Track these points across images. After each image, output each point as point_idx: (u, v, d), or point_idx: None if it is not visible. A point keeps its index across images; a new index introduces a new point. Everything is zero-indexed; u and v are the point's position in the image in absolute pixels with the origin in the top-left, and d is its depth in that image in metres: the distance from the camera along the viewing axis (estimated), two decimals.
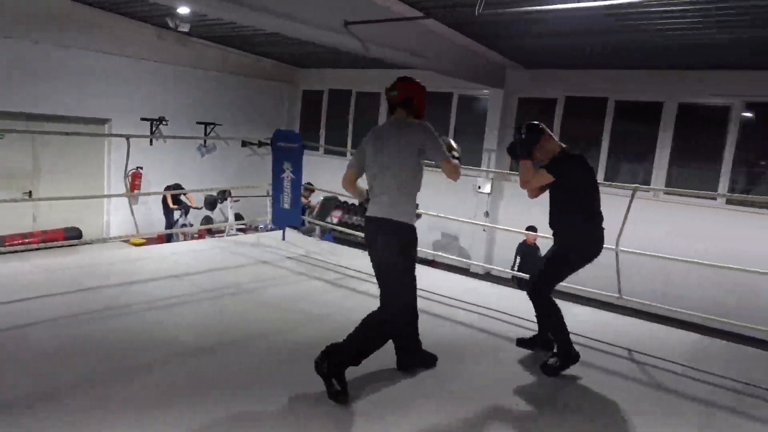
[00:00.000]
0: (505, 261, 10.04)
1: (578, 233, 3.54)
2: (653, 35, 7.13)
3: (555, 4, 5.79)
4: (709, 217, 8.61)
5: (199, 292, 4.66)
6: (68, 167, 10.10)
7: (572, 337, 3.55)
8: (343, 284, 5.18)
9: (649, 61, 8.72)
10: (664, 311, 4.91)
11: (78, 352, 3.36)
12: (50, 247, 9.09)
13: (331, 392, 2.92)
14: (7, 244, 8.83)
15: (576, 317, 4.57)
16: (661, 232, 8.46)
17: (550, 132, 3.61)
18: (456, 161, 3.22)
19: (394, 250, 3.09)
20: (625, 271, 4.79)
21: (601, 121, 9.62)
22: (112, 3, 9.18)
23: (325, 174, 11.11)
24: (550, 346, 3.68)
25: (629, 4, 5.69)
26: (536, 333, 3.89)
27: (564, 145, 3.63)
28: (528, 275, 4.10)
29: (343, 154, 12.55)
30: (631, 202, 4.59)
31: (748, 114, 8.58)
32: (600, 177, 9.55)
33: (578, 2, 5.52)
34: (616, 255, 4.59)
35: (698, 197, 8.50)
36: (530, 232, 7.19)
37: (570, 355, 3.49)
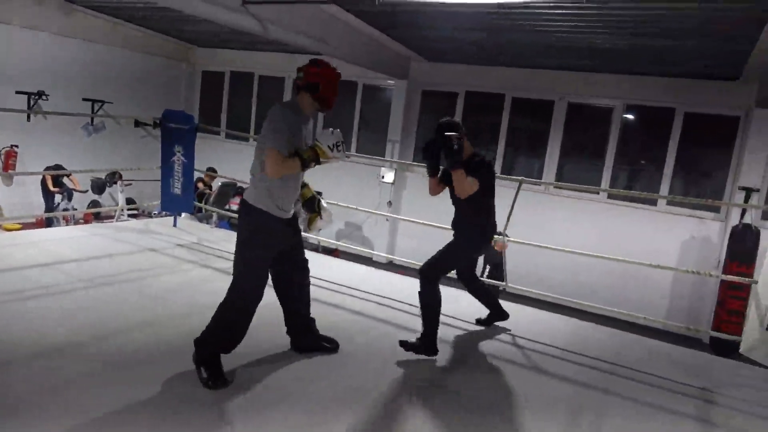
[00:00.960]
0: (406, 250, 10.23)
1: (479, 229, 3.76)
2: (539, 36, 7.46)
3: None
4: (593, 209, 9.24)
5: (71, 282, 4.29)
6: None
7: (458, 322, 3.66)
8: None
9: (541, 61, 9.17)
10: (547, 297, 5.19)
11: None
12: None
13: (201, 379, 2.92)
14: None
15: (462, 304, 4.74)
16: (551, 223, 9.00)
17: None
18: (275, 155, 2.89)
19: (243, 231, 3.06)
20: (512, 260, 5.02)
21: (499, 117, 10.01)
22: None
23: (227, 159, 10.73)
24: (504, 315, 4.21)
25: (509, 5, 5.90)
26: (490, 312, 4.25)
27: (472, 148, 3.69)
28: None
29: (246, 139, 12.15)
30: (517, 194, 4.80)
31: (629, 116, 9.28)
32: (498, 170, 9.95)
33: None
34: (503, 244, 4.78)
35: (581, 191, 9.10)
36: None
37: (430, 348, 3.56)
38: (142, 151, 11.70)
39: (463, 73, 10.19)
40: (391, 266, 8.99)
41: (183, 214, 7.48)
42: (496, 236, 4.19)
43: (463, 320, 4.34)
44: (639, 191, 8.92)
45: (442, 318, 3.63)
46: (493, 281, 5.86)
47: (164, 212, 8.40)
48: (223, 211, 8.21)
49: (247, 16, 6.55)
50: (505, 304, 4.36)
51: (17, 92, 9.67)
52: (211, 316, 3.04)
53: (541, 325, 4.52)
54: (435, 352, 3.56)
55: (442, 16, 7.18)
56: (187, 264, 5.13)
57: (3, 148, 9.54)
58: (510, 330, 4.27)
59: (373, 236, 10.88)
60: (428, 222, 5.93)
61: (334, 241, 8.06)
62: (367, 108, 11.28)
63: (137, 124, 11.74)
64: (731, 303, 7.41)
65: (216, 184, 10.17)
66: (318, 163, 3.04)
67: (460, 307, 4.48)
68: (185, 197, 5.93)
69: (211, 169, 9.80)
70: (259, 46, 11.28)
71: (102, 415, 2.58)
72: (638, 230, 8.80)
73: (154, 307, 4.01)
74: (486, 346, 3.99)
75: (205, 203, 9.22)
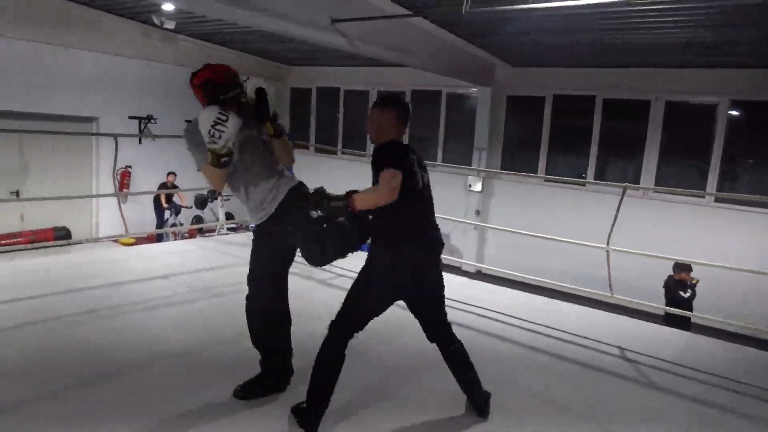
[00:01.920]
0: (495, 260, 10.11)
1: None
2: (638, 34, 7.17)
3: (539, 2, 5.80)
4: (698, 214, 8.68)
5: (187, 292, 4.63)
6: (56, 166, 10.01)
7: (565, 335, 3.56)
8: (335, 284, 5.17)
9: (636, 60, 8.77)
10: (655, 309, 4.95)
11: (65, 354, 3.33)
12: (39, 247, 9.01)
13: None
14: None
15: (565, 315, 4.62)
16: (651, 230, 8.55)
17: None
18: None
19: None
20: (617, 269, 4.83)
21: (590, 120, 9.67)
22: (99, 1, 9.10)
23: (316, 172, 11.11)
24: (484, 412, 2.93)
25: (612, 3, 5.71)
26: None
27: None
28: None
29: (334, 153, 12.53)
30: (621, 200, 4.60)
31: (735, 112, 8.66)
32: (590, 175, 9.61)
33: (559, 2, 5.51)
34: (607, 254, 4.61)
35: (686, 195, 8.57)
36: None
37: (309, 424, 2.66)
38: None
39: (549, 76, 9.96)
40: (479, 275, 8.93)
41: None
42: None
43: (568, 332, 4.23)
44: (749, 193, 8.27)
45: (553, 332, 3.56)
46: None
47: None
48: None
49: (336, 34, 6.79)
50: (611, 316, 4.20)
51: (130, 117, 10.58)
52: (311, 324, 3.09)
53: (650, 339, 4.32)
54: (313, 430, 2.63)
55: (530, 21, 7.08)
56: (294, 275, 5.36)
57: (119, 169, 10.44)
58: (618, 344, 4.11)
59: (461, 246, 10.83)
60: (517, 230, 5.85)
61: None
62: (452, 117, 11.28)
63: None
64: None
65: None
66: (217, 162, 2.57)
67: (561, 318, 4.37)
68: None
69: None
70: (344, 61, 11.62)
71: (210, 414, 2.77)
72: (749, 235, 8.16)
73: None
74: (594, 358, 3.86)
75: None
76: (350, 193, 2.45)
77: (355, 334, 2.66)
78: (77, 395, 2.88)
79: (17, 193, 9.52)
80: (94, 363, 3.24)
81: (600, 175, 9.58)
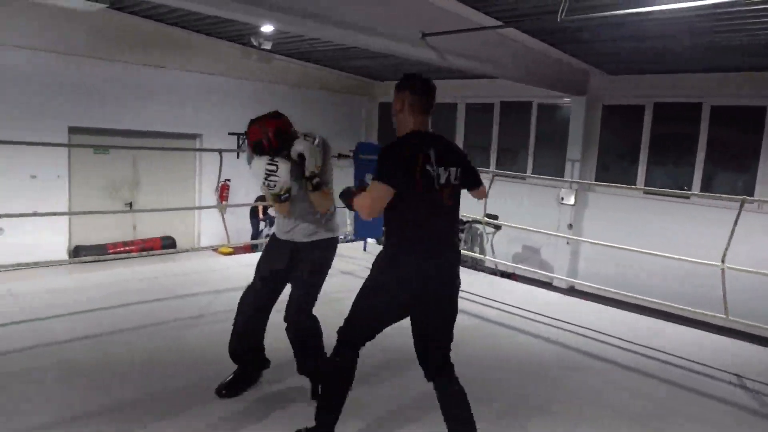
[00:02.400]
0: (589, 276, 9.66)
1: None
2: (753, 35, 6.63)
3: (642, 7, 5.52)
4: None
5: (284, 300, 4.79)
6: (164, 180, 10.78)
7: (675, 359, 3.33)
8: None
9: (750, 63, 8.12)
10: None
11: (172, 357, 3.55)
12: (148, 256, 9.72)
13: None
14: (110, 251, 9.52)
15: (672, 336, 4.33)
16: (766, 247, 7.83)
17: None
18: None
19: None
20: (732, 290, 4.45)
21: (696, 128, 9.05)
22: (202, 24, 9.76)
23: None
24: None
25: (724, 4, 5.31)
26: None
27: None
28: None
29: None
30: (739, 214, 4.24)
31: None
32: (695, 187, 8.99)
33: (667, 4, 5.21)
34: (722, 272, 4.27)
35: None
36: None
37: None
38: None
39: (650, 83, 9.44)
40: (571, 291, 8.57)
41: (370, 240, 7.94)
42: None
43: (679, 356, 3.96)
44: None
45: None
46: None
47: (351, 237, 9.01)
48: None
49: (427, 48, 6.84)
50: (726, 341, 3.87)
51: (229, 133, 11.21)
52: (399, 335, 3.10)
53: None
54: None
55: (630, 26, 6.76)
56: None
57: (219, 183, 11.08)
58: (736, 371, 3.79)
59: (552, 260, 10.47)
60: (614, 244, 5.57)
61: (512, 264, 7.94)
62: (543, 128, 10.98)
63: None
64: None
65: None
66: (278, 199, 2.90)
67: (672, 341, 4.10)
68: (375, 223, 6.30)
69: None
70: (432, 74, 11.64)
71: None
72: None
73: None
74: (708, 385, 3.58)
75: None
76: (362, 189, 2.47)
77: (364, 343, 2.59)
78: (183, 395, 3.05)
79: (130, 204, 10.35)
80: (198, 366, 3.43)
81: (706, 187, 8.91)
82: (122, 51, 9.70)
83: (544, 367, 3.70)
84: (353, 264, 6.20)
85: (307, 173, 2.88)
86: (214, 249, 10.13)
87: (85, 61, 9.36)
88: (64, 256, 9.42)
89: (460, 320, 2.57)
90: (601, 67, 9.57)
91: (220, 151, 5.84)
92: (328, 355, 2.70)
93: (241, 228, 11.24)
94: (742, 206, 4.24)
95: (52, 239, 9.19)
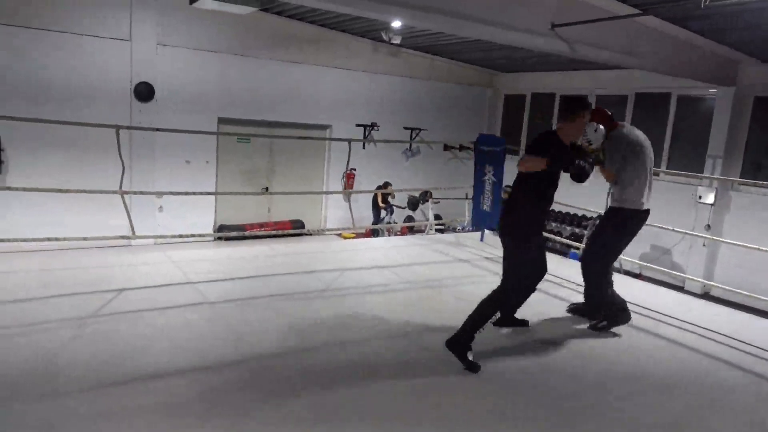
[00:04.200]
0: (727, 280, 8.90)
1: None
2: None
3: None
4: None
5: (401, 282, 5.08)
6: (296, 167, 11.62)
7: None
8: (539, 287, 5.17)
9: None
10: None
11: (293, 325, 3.95)
12: (280, 236, 10.56)
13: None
14: (247, 230, 10.49)
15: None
16: None
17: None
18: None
19: None
20: None
21: None
22: (336, 21, 10.34)
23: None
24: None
25: None
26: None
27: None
28: None
29: None
30: None
31: None
32: None
33: None
34: None
35: None
36: None
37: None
38: (449, 172, 12.91)
39: None
40: (707, 297, 7.98)
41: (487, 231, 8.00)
42: None
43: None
44: None
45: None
46: None
47: (467, 228, 9.10)
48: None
49: (556, 39, 6.73)
50: None
51: (357, 125, 11.77)
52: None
53: None
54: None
55: None
56: (496, 275, 5.51)
57: (345, 171, 11.70)
58: None
59: (685, 262, 9.78)
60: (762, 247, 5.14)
61: (639, 262, 7.53)
62: (682, 121, 10.24)
63: (446, 148, 13.04)
64: None
65: None
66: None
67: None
68: (493, 214, 6.36)
69: (508, 187, 10.19)
70: (560, 66, 11.33)
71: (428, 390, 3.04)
72: None
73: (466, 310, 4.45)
74: None
75: None
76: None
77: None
78: (311, 357, 3.42)
79: (266, 189, 11.28)
80: (323, 332, 3.79)
81: None
82: (264, 49, 10.60)
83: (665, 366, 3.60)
84: (469, 253, 6.34)
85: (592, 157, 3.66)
86: (338, 233, 10.75)
87: (233, 58, 10.36)
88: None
89: None
90: (754, 54, 8.71)
91: (349, 141, 6.24)
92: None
93: (365, 215, 11.79)
94: None
95: (201, 219, 10.34)
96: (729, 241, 7.61)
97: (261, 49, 10.56)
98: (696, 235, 8.85)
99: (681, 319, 4.47)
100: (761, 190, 8.67)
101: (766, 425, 3.00)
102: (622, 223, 3.99)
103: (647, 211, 3.99)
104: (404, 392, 3.05)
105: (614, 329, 4.06)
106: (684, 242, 9.60)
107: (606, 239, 4.11)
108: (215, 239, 10.52)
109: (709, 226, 9.46)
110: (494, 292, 3.48)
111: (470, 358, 3.33)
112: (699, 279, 7.68)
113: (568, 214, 11.58)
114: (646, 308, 4.66)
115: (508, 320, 4.01)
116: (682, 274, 8.54)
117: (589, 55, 7.38)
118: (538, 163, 3.21)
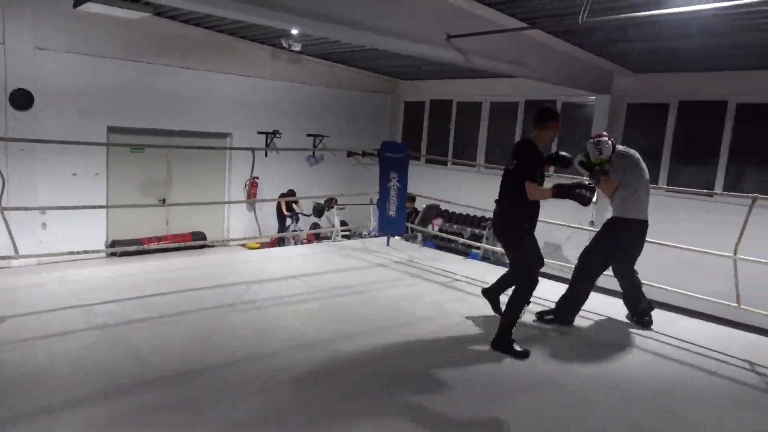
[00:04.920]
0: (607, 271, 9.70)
1: None
2: None
3: (660, 9, 5.63)
4: None
5: (313, 292, 5.06)
6: (195, 178, 11.18)
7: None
8: (453, 287, 5.38)
9: None
10: None
11: (207, 341, 3.83)
12: (180, 249, 10.11)
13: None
14: (145, 244, 9.93)
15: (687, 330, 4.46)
16: None
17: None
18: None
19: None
20: (744, 282, 4.58)
21: (720, 127, 9.06)
22: (233, 28, 10.10)
23: (427, 183, 11.40)
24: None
25: (747, 4, 5.40)
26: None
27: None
28: None
29: (444, 164, 12.78)
30: (750, 211, 4.39)
31: None
32: (719, 186, 9.00)
33: (687, 6, 5.32)
34: (735, 263, 4.41)
35: None
36: None
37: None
38: (353, 178, 13.02)
39: (674, 82, 9.47)
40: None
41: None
42: None
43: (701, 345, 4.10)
44: None
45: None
46: None
47: (373, 233, 9.24)
48: (428, 231, 8.73)
49: (452, 50, 7.03)
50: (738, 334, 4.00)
51: (258, 132, 11.56)
52: (427, 327, 3.32)
53: None
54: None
55: (653, 26, 6.86)
56: (405, 279, 5.66)
57: (247, 180, 11.43)
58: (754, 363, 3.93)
59: (575, 256, 10.54)
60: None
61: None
62: (567, 126, 11.04)
63: (349, 154, 13.14)
64: None
65: (421, 206, 10.84)
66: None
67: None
68: (399, 219, 6.54)
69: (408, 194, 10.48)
70: (456, 74, 11.83)
71: (344, 400, 3.07)
72: None
73: (384, 314, 4.54)
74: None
75: (411, 224, 9.91)
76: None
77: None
78: (228, 371, 3.33)
79: (164, 200, 10.76)
80: (239, 347, 3.70)
81: (733, 185, 8.91)
82: (158, 54, 10.12)
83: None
84: (378, 258, 6.44)
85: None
86: (242, 244, 10.49)
87: (124, 63, 9.79)
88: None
89: None
90: (626, 65, 9.62)
91: (252, 150, 6.14)
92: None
93: (270, 224, 11.58)
94: (753, 204, 4.38)
95: (90, 234, 9.64)
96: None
97: (155, 54, 10.07)
98: (582, 229, 9.58)
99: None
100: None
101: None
102: (627, 231, 4.27)
103: (647, 222, 4.29)
104: (325, 401, 3.06)
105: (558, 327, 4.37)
106: (573, 237, 10.34)
107: (608, 245, 4.34)
108: (108, 255, 9.87)
109: (592, 222, 10.29)
110: (514, 289, 3.90)
111: (518, 348, 3.74)
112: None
113: (468, 215, 12.10)
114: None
115: (493, 298, 4.36)
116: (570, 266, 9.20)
117: (483, 65, 7.78)
118: (544, 193, 3.77)
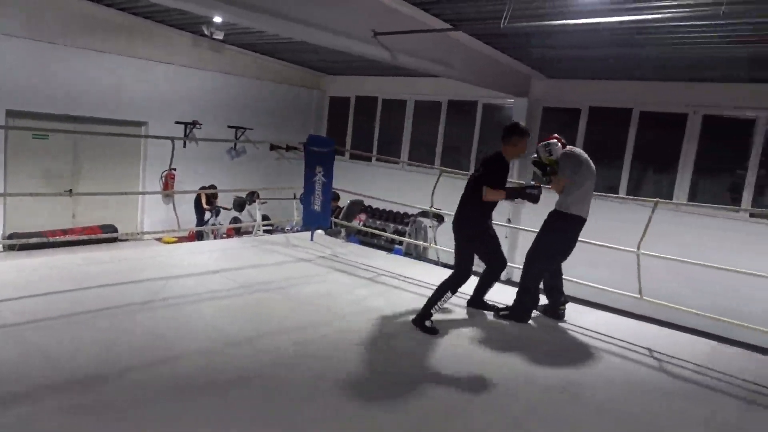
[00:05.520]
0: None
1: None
2: (674, 49, 7.26)
3: (576, 18, 5.99)
4: (731, 229, 8.64)
5: (234, 288, 4.93)
6: (106, 168, 10.53)
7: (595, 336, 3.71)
8: (377, 281, 5.42)
9: (672, 73, 8.83)
10: (682, 311, 5.03)
11: (121, 340, 3.64)
12: (88, 243, 9.49)
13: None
14: (49, 237, 9.24)
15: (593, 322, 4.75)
16: (684, 243, 8.54)
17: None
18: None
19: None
20: (648, 278, 4.95)
21: (625, 132, 9.72)
22: (150, 11, 9.61)
23: (351, 178, 11.40)
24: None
25: (647, 20, 5.86)
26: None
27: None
28: None
29: (369, 159, 12.85)
30: (651, 215, 4.78)
31: None
32: (623, 188, 9.66)
33: (597, 17, 5.70)
34: (638, 257, 4.80)
35: (719, 209, 8.57)
36: None
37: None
38: (276, 173, 12.80)
39: (586, 88, 10.06)
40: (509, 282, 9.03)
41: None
42: None
43: (604, 334, 4.37)
44: None
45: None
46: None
47: (296, 228, 9.13)
48: (353, 225, 8.75)
49: (378, 47, 7.08)
50: (640, 325, 4.32)
51: (176, 122, 11.08)
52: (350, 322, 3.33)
53: (676, 344, 4.43)
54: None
55: (567, 35, 7.24)
56: (328, 274, 5.63)
57: (164, 172, 10.93)
58: (653, 350, 4.25)
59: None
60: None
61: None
62: (487, 126, 11.45)
63: (272, 148, 12.91)
64: None
65: (345, 202, 10.82)
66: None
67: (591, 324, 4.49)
68: (323, 214, 6.49)
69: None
70: (383, 71, 11.92)
71: (256, 402, 3.03)
72: None
73: (303, 311, 4.49)
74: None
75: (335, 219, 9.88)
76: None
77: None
78: (139, 377, 3.18)
79: (70, 191, 10.06)
80: (154, 348, 3.54)
81: (634, 187, 9.60)
82: (65, 34, 9.44)
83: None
84: (301, 253, 6.38)
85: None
86: (158, 238, 10.03)
87: (26, 43, 9.05)
88: None
89: None
90: (542, 70, 10.10)
91: (172, 139, 5.87)
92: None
93: (188, 218, 11.14)
94: (654, 209, 4.80)
95: None
96: (526, 228, 8.70)
97: (63, 35, 9.39)
98: (501, 225, 9.97)
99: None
100: (546, 189, 10.04)
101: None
102: (565, 225, 4.51)
103: (585, 220, 4.53)
104: (244, 402, 2.99)
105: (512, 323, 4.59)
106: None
107: (550, 239, 4.57)
108: (6, 248, 9.12)
109: (509, 219, 10.72)
110: (447, 278, 4.30)
111: (428, 324, 4.16)
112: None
113: (391, 212, 12.24)
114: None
115: (479, 304, 4.77)
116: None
117: (409, 63, 7.88)
118: (498, 194, 4.25)
